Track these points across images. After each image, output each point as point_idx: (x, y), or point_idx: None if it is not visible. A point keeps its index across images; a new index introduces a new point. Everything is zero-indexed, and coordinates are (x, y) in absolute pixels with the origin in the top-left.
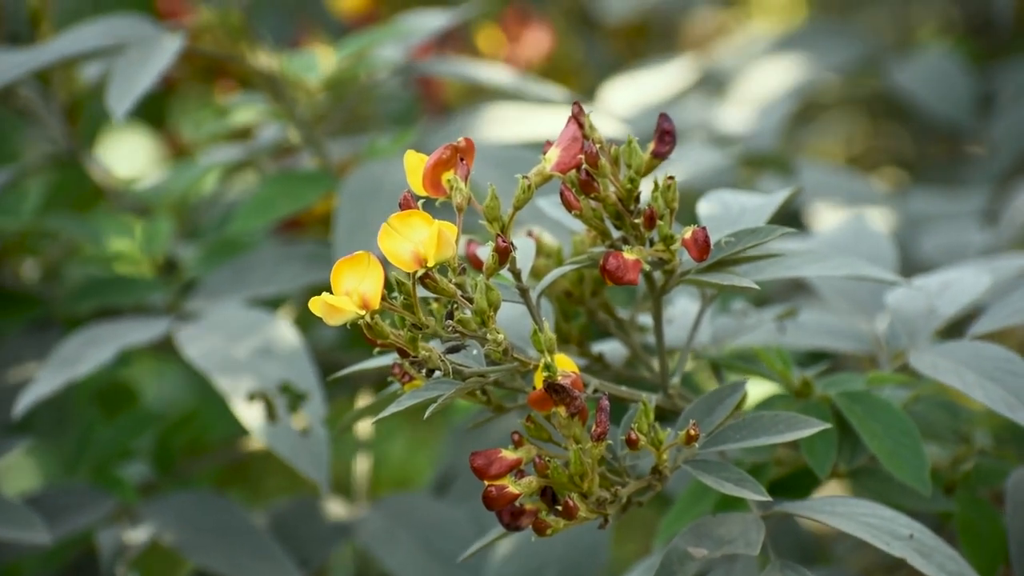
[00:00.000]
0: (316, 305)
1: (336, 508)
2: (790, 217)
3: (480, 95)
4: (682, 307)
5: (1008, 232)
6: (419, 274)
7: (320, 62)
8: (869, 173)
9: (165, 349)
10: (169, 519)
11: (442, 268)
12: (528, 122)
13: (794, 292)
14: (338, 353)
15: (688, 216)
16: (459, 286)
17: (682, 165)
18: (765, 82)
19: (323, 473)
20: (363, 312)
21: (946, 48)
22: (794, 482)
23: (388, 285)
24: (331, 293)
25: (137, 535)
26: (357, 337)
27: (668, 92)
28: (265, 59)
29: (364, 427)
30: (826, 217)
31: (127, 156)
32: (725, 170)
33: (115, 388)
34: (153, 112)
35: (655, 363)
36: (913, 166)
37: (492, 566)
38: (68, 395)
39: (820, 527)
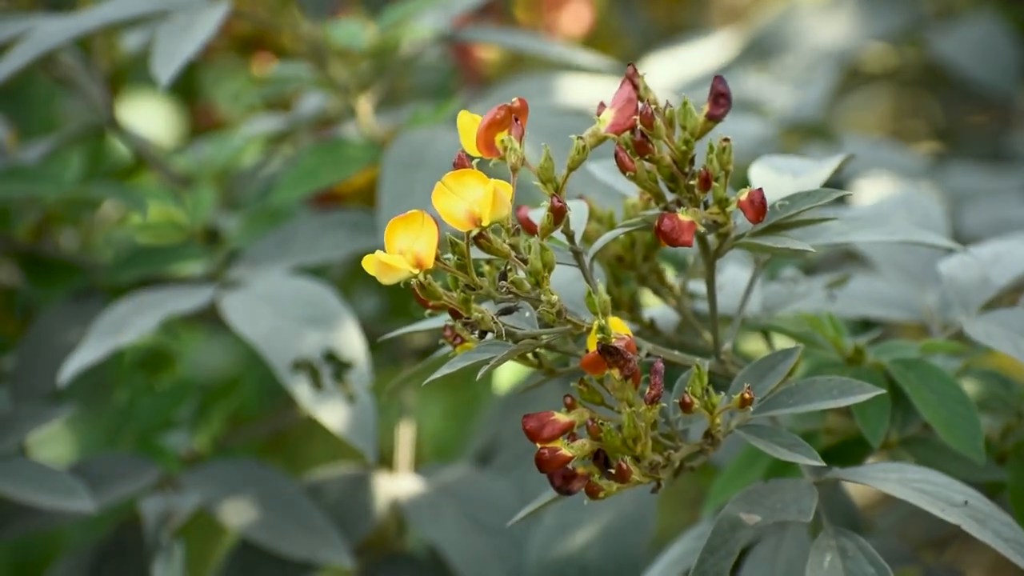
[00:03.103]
0: (370, 263)
1: (379, 479)
2: (834, 188)
3: (518, 67)
4: (731, 275)
5: None
6: (473, 234)
7: (363, 31)
8: (911, 145)
9: (207, 318)
10: (213, 488)
11: (496, 228)
12: (570, 91)
13: (844, 261)
14: (379, 324)
15: (735, 186)
16: (513, 247)
17: (726, 134)
18: (807, 52)
19: (370, 442)
20: (417, 271)
21: (989, 16)
22: (845, 451)
23: (441, 245)
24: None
25: (182, 504)
26: (399, 307)
27: (709, 65)
28: (310, 27)
29: (408, 397)
30: (870, 190)
31: (148, 125)
32: (768, 141)
33: (156, 357)
34: (187, 82)
35: (706, 329)
36: (954, 138)
37: (536, 538)
38: (107, 365)
39: (865, 500)
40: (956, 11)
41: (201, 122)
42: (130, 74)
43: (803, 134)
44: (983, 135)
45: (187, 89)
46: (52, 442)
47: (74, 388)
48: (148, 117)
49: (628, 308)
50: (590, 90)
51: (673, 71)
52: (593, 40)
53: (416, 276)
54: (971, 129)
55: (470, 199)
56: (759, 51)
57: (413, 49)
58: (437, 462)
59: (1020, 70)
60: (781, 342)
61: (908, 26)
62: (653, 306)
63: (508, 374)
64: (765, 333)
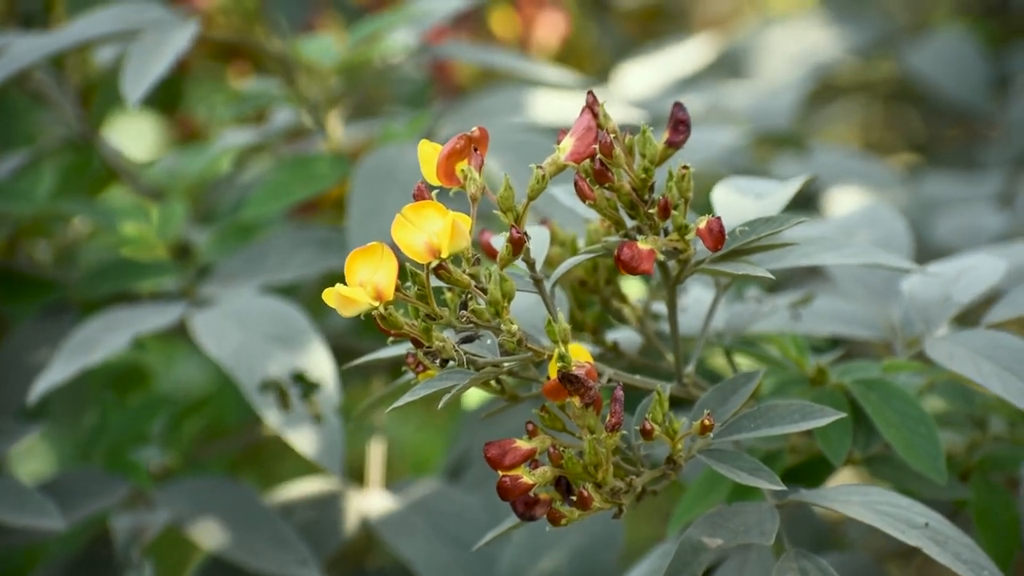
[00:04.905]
0: (330, 297)
1: (350, 494)
2: (805, 200)
3: (494, 78)
4: (696, 295)
5: None
6: (433, 265)
7: (334, 46)
8: (884, 157)
9: (179, 334)
10: (184, 504)
11: (456, 258)
12: (542, 106)
13: (809, 278)
14: (351, 339)
15: (703, 198)
16: (473, 276)
17: (696, 147)
18: (780, 63)
19: (336, 462)
20: (377, 303)
21: (961, 30)
22: (808, 470)
23: (402, 275)
24: (345, 283)
25: (152, 520)
26: (370, 324)
27: (683, 73)
28: (279, 43)
29: (378, 413)
30: (841, 201)
31: (134, 139)
32: (739, 151)
33: (129, 373)
34: (166, 95)
35: (669, 352)
36: (928, 150)
37: (507, 554)
38: (84, 380)
39: (834, 512)
40: (931, 25)
41: (181, 133)
42: (106, 88)
43: (774, 143)
44: (956, 147)
45: (168, 99)
46: (31, 455)
47: (49, 404)
48: (131, 130)
49: (592, 331)
50: (560, 105)
51: (648, 78)
52: (569, 54)
53: (377, 308)
54: (944, 141)
55: (429, 231)
56: (734, 62)
57: (385, 64)
58: (414, 476)
59: (989, 83)
60: (745, 362)
61: (881, 40)
62: (617, 328)
63: (476, 393)
64: (728, 354)
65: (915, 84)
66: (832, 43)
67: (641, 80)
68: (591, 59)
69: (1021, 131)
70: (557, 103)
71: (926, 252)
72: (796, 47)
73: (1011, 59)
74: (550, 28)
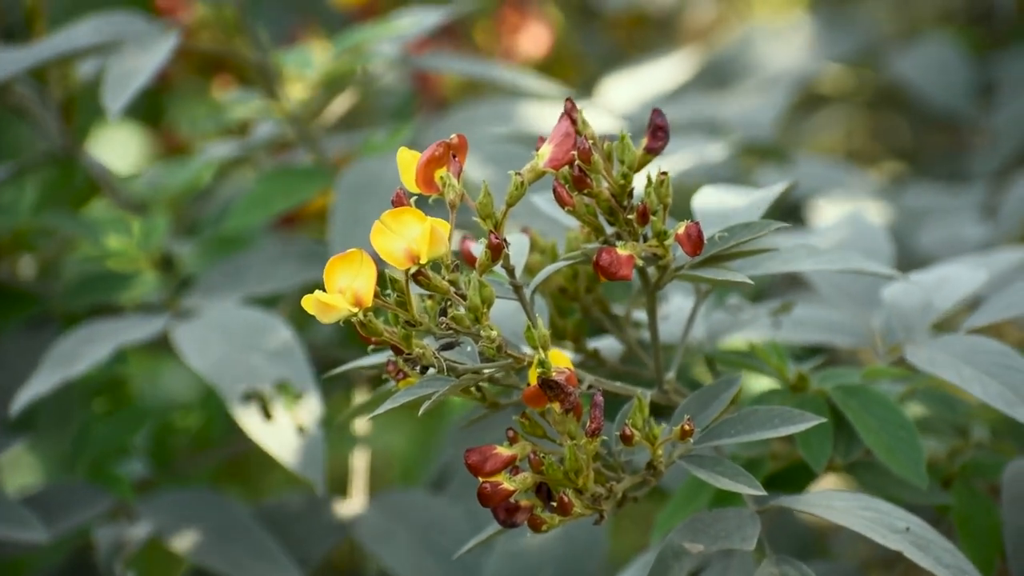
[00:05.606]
0: (309, 303)
1: (334, 504)
2: (789, 210)
3: (478, 89)
4: (677, 303)
5: (1007, 225)
6: (412, 271)
7: (316, 58)
8: (869, 167)
9: (164, 346)
10: (167, 516)
11: (435, 265)
12: (525, 117)
13: (790, 286)
14: (335, 350)
15: (686, 209)
16: (452, 283)
17: (679, 157)
18: (764, 73)
19: (318, 473)
20: (356, 310)
21: (947, 37)
22: (790, 476)
23: (381, 282)
24: (325, 291)
25: (135, 532)
26: (354, 334)
27: (668, 85)
28: (260, 55)
29: (362, 422)
30: (825, 211)
31: (119, 152)
32: (723, 162)
33: (114, 385)
34: (150, 108)
35: (650, 359)
36: (913, 158)
37: (489, 563)
38: (69, 393)
39: (817, 520)
40: (917, 33)
41: (165, 147)
42: (88, 101)
43: (758, 155)
44: (941, 155)
45: (151, 112)
46: (16, 467)
47: (35, 417)
48: (114, 143)
49: (573, 338)
50: (544, 115)
51: (633, 91)
52: (554, 63)
53: (356, 315)
54: (929, 149)
55: (408, 237)
56: (718, 73)
57: (368, 75)
58: (404, 485)
59: (974, 90)
60: (726, 369)
61: (867, 48)
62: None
63: (461, 400)
64: (710, 361)
65: (901, 91)
66: (818, 51)
67: (625, 93)
68: (576, 68)
69: (1006, 139)
70: (540, 113)
71: (909, 262)
72: (781, 56)
73: (997, 67)
74: (534, 40)
